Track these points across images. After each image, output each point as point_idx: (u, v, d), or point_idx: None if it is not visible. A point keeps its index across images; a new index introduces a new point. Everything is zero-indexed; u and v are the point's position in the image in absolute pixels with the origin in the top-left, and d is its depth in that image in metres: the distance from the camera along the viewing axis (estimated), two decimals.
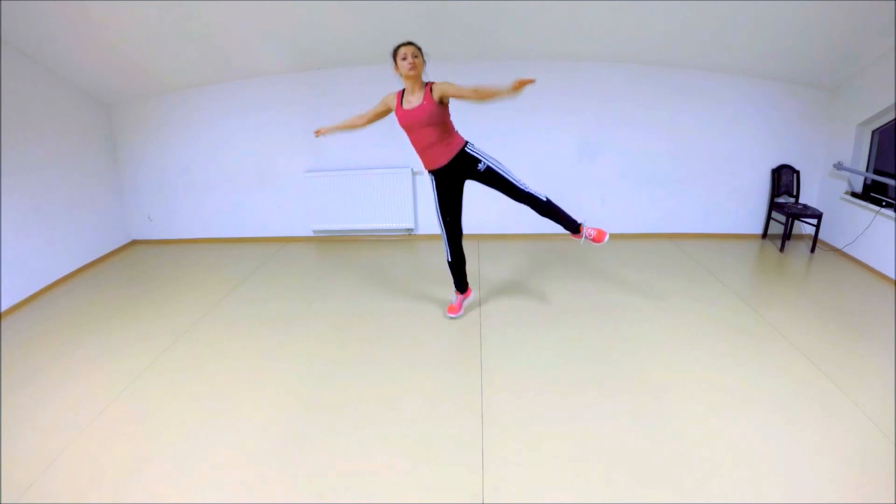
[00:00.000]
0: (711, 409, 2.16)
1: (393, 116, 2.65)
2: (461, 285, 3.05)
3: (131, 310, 3.38)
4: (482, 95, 2.29)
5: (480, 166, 2.60)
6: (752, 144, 4.27)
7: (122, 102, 4.44)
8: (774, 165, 4.30)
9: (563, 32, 3.63)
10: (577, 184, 4.40)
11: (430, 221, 4.61)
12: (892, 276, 3.44)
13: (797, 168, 4.26)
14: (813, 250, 4.09)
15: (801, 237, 4.45)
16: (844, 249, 3.97)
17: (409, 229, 4.63)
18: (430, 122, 2.48)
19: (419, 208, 4.56)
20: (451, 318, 3.05)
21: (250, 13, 3.29)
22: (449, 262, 2.94)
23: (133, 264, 4.36)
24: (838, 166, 4.03)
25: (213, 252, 4.53)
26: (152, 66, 3.93)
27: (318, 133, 2.98)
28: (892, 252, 3.46)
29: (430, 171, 2.68)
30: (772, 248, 4.24)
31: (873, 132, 3.84)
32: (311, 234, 4.73)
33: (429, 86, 2.50)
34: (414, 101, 2.50)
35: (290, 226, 4.73)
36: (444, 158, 2.59)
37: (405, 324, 3.01)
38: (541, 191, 2.70)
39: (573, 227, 2.81)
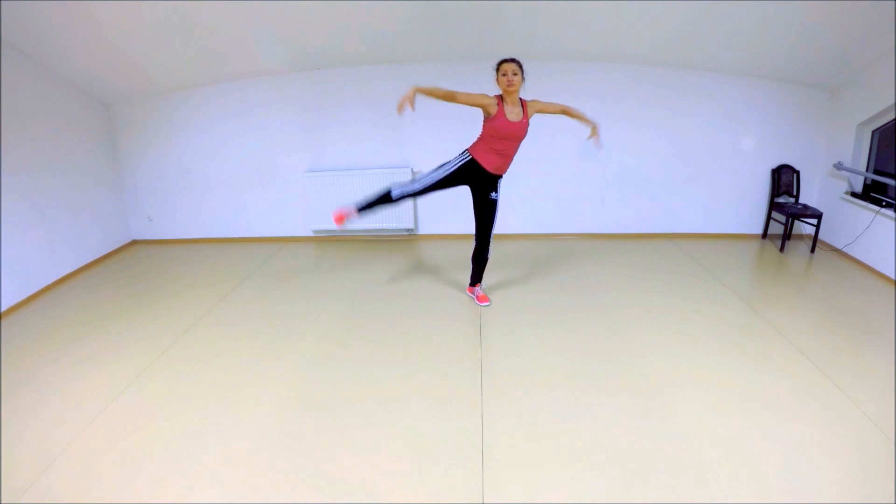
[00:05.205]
0: (711, 409, 2.16)
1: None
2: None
3: (131, 310, 3.38)
4: (568, 113, 2.86)
5: (493, 195, 2.92)
6: (752, 144, 4.27)
7: (122, 102, 4.44)
8: (774, 165, 4.30)
9: (564, 32, 3.63)
10: (577, 184, 4.40)
11: (431, 222, 4.61)
12: (892, 276, 3.44)
13: (797, 168, 4.26)
14: (813, 250, 4.09)
15: (801, 237, 4.45)
16: (844, 249, 3.97)
17: (409, 229, 4.63)
18: (522, 138, 2.78)
19: (419, 208, 4.55)
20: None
21: (250, 13, 3.29)
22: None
23: (133, 264, 4.36)
24: (838, 166, 4.03)
25: (213, 252, 4.53)
26: (152, 66, 3.93)
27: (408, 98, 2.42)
28: (892, 252, 3.46)
29: (480, 168, 2.83)
30: (772, 248, 4.24)
31: (873, 132, 3.84)
32: (311, 234, 4.73)
33: (524, 103, 2.74)
34: (516, 114, 2.72)
35: (290, 226, 4.73)
36: (500, 170, 2.87)
37: (405, 324, 3.01)
38: (492, 249, 3.12)
39: (475, 282, 3.26)
